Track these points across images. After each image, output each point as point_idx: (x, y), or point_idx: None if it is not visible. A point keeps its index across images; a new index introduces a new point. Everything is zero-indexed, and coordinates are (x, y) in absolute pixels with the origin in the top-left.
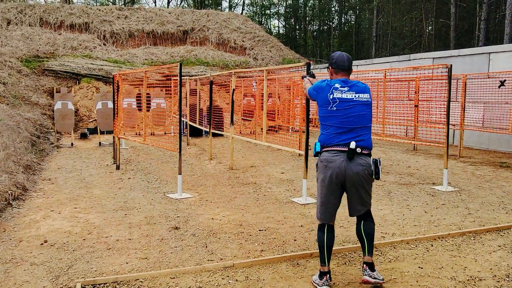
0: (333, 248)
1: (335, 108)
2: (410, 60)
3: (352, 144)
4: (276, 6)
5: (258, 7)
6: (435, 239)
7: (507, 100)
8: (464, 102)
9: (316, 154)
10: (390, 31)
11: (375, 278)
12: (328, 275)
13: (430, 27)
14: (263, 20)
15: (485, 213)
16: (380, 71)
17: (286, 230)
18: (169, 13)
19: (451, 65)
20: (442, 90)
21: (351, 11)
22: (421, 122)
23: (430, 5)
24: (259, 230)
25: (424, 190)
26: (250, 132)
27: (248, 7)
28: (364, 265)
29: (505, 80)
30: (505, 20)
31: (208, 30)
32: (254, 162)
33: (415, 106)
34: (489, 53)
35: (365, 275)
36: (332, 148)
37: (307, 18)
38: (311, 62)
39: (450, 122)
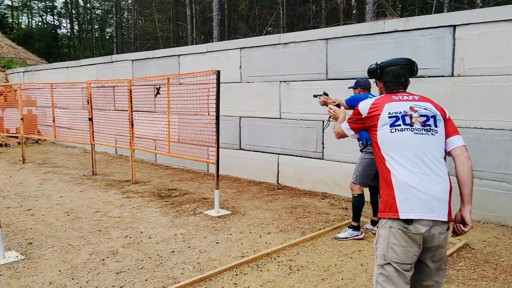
0: None
1: None
2: (112, 62)
3: None
4: None
5: None
6: None
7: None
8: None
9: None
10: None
11: None
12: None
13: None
14: None
15: None
16: None
17: None
18: None
19: None
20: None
21: None
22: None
23: (167, 6)
24: None
25: None
26: None
27: None
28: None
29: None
30: (213, 23)
31: None
32: None
33: (90, 119)
34: (179, 55)
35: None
36: None
37: None
38: None
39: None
